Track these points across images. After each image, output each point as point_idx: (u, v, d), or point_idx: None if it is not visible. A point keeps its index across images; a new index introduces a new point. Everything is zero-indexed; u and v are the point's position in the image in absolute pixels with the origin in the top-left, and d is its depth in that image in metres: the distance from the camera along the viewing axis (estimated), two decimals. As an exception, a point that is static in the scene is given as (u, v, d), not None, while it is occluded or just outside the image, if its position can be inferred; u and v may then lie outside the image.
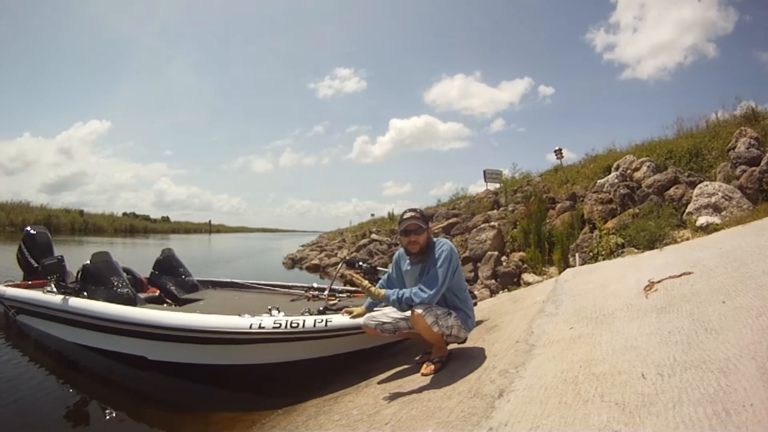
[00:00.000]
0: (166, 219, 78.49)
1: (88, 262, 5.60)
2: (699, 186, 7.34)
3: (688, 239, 6.16)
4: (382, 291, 3.51)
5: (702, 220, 6.57)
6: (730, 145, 8.48)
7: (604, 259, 6.69)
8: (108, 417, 3.90)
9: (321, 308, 4.75)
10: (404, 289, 3.47)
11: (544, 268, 8.11)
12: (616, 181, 9.48)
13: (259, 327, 3.96)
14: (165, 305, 5.98)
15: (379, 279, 4.18)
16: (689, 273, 3.95)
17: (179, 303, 6.08)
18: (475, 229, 10.37)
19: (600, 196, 8.93)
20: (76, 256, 9.29)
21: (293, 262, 20.89)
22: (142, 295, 5.99)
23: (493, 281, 8.31)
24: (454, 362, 3.60)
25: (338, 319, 4.03)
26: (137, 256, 18.90)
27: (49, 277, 5.78)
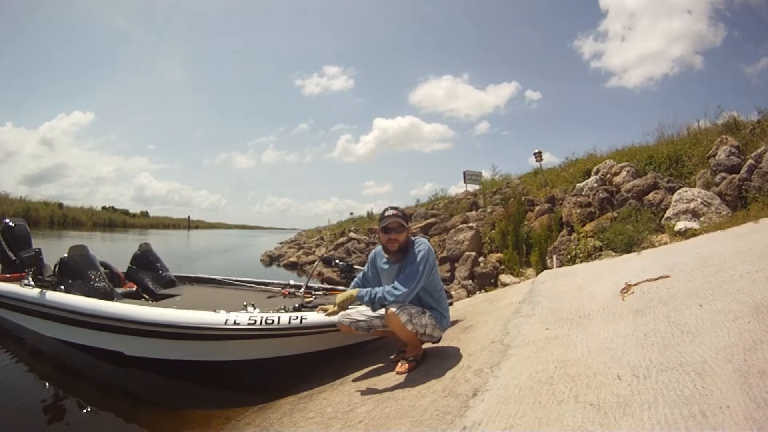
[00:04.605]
0: (145, 214, 77.80)
1: (66, 255, 5.49)
2: (678, 192, 7.38)
3: (666, 244, 6.19)
4: (355, 291, 3.48)
5: (680, 225, 6.60)
6: (710, 152, 8.53)
7: (581, 262, 6.70)
8: (84, 412, 3.82)
9: (297, 305, 4.70)
10: (377, 288, 3.44)
11: (521, 270, 8.12)
12: (596, 185, 9.52)
13: (234, 323, 3.91)
14: (142, 300, 5.89)
15: (355, 277, 4.16)
16: (666, 276, 3.96)
17: (156, 298, 5.99)
18: (453, 230, 10.38)
19: (579, 199, 8.95)
20: (54, 249, 9.14)
21: (271, 259, 20.80)
22: (119, 290, 5.87)
23: (470, 282, 8.31)
24: (428, 361, 3.57)
25: (313, 317, 3.99)
26: (115, 251, 18.70)
27: (26, 270, 5.67)
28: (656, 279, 3.98)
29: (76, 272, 5.34)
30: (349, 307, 3.81)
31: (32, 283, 5.23)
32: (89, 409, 3.86)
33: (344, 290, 3.80)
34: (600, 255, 6.65)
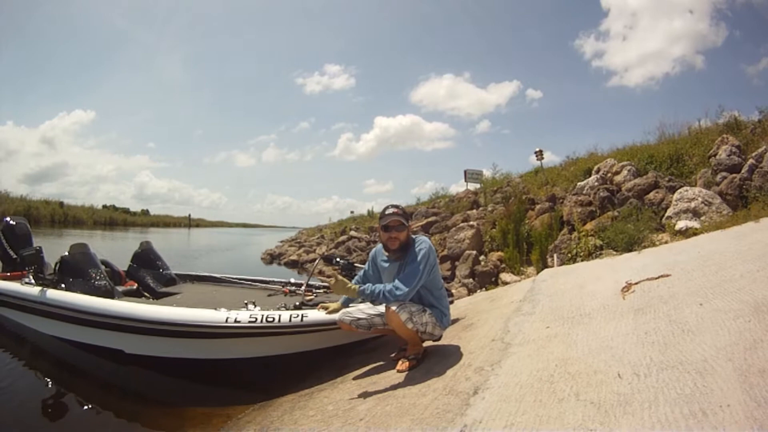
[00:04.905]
0: (145, 212, 77.55)
1: (67, 253, 5.49)
2: (679, 191, 7.39)
3: (666, 243, 6.20)
4: (356, 287, 3.46)
5: (681, 224, 6.60)
6: (711, 152, 8.55)
7: (582, 261, 6.71)
8: (84, 411, 3.83)
9: (297, 303, 4.71)
10: (378, 285, 3.42)
11: (522, 268, 8.12)
12: (596, 184, 9.53)
13: (235, 321, 3.91)
14: (142, 298, 5.91)
15: (356, 276, 4.15)
16: (667, 275, 3.97)
17: (157, 296, 6.01)
18: (453, 228, 10.36)
19: (579, 198, 8.96)
20: (55, 247, 9.15)
21: (272, 258, 20.77)
22: (120, 288, 5.89)
23: (470, 280, 8.31)
24: (429, 359, 3.57)
25: (314, 315, 3.99)
26: (116, 249, 18.69)
27: (27, 269, 5.66)
28: (657, 278, 3.99)
29: (76, 270, 5.34)
30: (350, 305, 3.83)
31: (33, 281, 5.22)
32: (90, 408, 3.87)
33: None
34: (601, 254, 6.66)
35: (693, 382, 2.02)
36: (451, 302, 4.68)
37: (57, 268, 5.40)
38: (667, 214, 7.21)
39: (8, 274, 6.15)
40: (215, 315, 3.99)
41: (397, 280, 3.36)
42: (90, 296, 4.67)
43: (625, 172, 9.43)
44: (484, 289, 7.84)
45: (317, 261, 7.07)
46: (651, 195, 8.01)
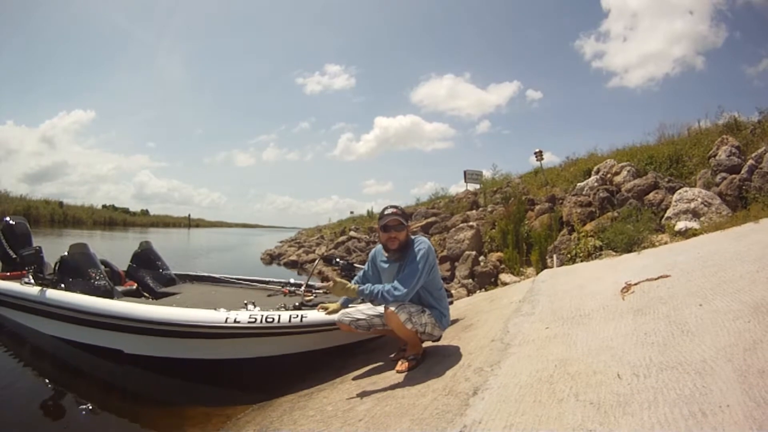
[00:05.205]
0: (145, 212, 77.39)
1: (66, 253, 5.49)
2: (678, 191, 7.39)
3: (666, 243, 6.19)
4: (356, 286, 3.46)
5: (681, 225, 6.60)
6: (711, 152, 8.55)
7: (581, 261, 6.70)
8: (84, 411, 3.81)
9: (297, 304, 4.71)
10: (378, 285, 3.42)
11: (521, 269, 8.12)
12: (596, 184, 9.54)
13: (235, 321, 3.91)
14: (142, 298, 5.90)
15: (355, 276, 4.15)
16: (666, 276, 3.97)
17: (156, 296, 6.00)
18: (453, 229, 10.37)
19: (579, 198, 8.96)
20: (54, 247, 9.14)
21: (271, 258, 20.77)
22: (119, 288, 5.88)
23: (470, 281, 8.31)
24: (429, 360, 3.57)
25: (313, 315, 3.99)
26: (115, 249, 18.67)
27: (26, 268, 5.65)
28: (656, 278, 3.98)
29: (76, 270, 5.33)
30: (350, 305, 3.83)
31: (33, 281, 5.21)
32: (89, 407, 3.85)
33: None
34: (600, 254, 6.66)
35: (692, 383, 2.02)
36: (451, 303, 4.68)
37: (56, 267, 5.40)
38: (666, 215, 7.22)
39: (8, 273, 6.15)
40: (215, 315, 3.99)
41: (396, 281, 3.36)
42: (89, 296, 4.67)
43: (624, 172, 9.43)
44: (483, 289, 7.84)
45: (317, 261, 7.09)
46: (651, 196, 8.02)
